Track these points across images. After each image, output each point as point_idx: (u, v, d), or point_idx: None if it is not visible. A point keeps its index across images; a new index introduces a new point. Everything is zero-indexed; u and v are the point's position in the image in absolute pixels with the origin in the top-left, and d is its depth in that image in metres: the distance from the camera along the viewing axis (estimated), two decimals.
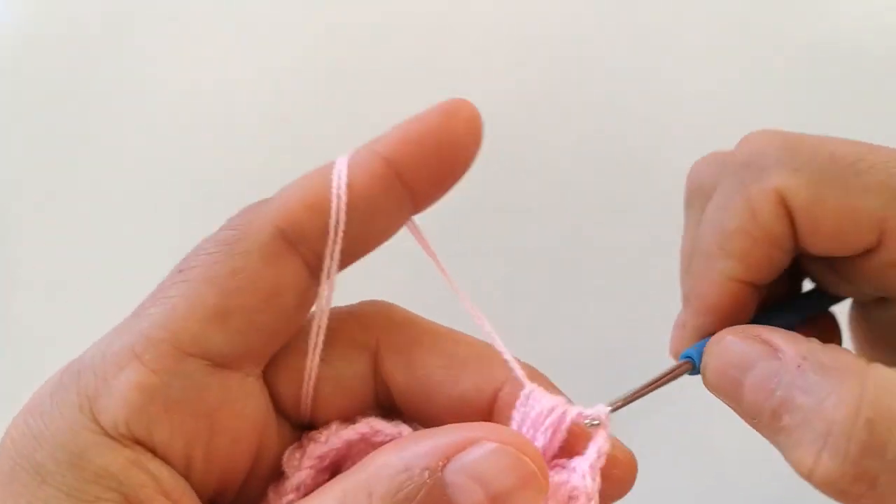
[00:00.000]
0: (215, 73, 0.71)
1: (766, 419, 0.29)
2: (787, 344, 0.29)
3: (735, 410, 0.31)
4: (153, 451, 0.26)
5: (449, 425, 0.26)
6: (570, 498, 0.27)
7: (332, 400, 0.30)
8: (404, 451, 0.25)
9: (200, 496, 0.27)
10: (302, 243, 0.27)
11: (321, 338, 0.29)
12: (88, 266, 0.69)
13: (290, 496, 0.29)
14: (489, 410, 0.29)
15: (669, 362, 0.35)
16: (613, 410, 0.29)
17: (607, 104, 0.68)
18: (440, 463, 0.24)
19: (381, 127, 0.29)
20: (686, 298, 0.36)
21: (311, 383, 0.29)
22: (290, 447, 0.30)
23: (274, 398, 0.30)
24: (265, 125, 0.68)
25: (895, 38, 0.66)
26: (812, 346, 0.29)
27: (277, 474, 0.30)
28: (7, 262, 0.71)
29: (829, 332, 0.39)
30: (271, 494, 0.30)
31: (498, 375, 0.29)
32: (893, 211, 0.31)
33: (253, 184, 0.33)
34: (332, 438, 0.29)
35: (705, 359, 0.32)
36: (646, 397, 0.32)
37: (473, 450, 0.25)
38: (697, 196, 0.36)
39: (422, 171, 0.27)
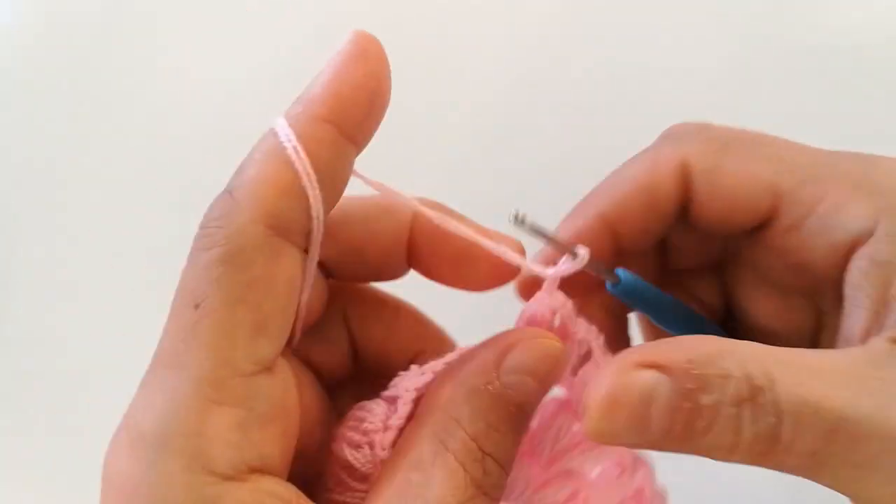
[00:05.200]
0: (219, 71, 0.71)
1: (679, 431, 0.28)
2: (668, 356, 0.28)
3: (632, 440, 0.29)
4: (262, 472, 0.28)
5: (482, 343, 0.32)
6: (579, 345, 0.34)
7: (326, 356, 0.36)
8: (464, 376, 0.30)
9: (296, 483, 0.29)
10: (290, 232, 0.28)
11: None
12: (88, 266, 0.69)
13: (396, 427, 0.31)
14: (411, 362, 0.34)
15: None
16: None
17: (605, 102, 0.68)
18: (494, 374, 0.30)
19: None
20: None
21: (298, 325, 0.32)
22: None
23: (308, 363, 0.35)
24: (268, 123, 0.68)
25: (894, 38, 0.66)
26: (691, 343, 0.29)
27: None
28: (7, 262, 0.71)
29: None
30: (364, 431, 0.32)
31: (421, 344, 0.36)
32: (785, 178, 0.33)
33: None
34: (424, 368, 0.33)
35: (595, 413, 0.28)
36: None
37: (513, 354, 0.30)
38: None
39: (361, 122, 0.29)
